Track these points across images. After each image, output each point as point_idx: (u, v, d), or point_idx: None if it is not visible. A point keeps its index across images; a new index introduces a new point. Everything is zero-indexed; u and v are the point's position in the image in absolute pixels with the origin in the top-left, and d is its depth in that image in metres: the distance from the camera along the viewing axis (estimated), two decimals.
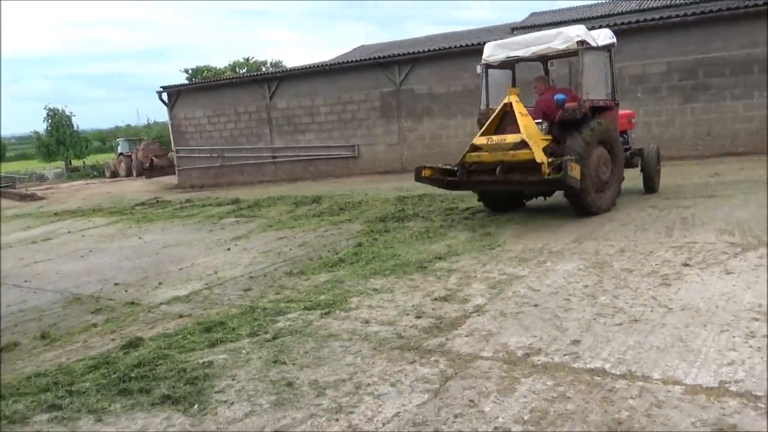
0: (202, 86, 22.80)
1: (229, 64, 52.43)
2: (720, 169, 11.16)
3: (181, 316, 5.09)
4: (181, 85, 23.23)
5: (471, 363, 3.56)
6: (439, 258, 6.21)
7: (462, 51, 16.68)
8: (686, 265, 5.14)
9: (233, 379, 3.61)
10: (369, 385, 3.38)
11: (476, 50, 16.23)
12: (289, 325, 4.53)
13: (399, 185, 14.14)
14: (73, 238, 10.95)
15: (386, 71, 18.05)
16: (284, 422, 3.03)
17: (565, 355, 3.55)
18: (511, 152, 7.41)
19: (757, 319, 3.75)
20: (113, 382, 3.67)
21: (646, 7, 21.81)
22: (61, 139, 45.23)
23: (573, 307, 4.37)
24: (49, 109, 45.64)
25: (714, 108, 13.93)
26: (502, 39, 9.47)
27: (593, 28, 9.38)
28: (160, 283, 6.47)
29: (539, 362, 3.48)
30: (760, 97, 13.39)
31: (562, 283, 4.97)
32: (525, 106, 9.01)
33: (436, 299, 4.84)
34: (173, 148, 23.39)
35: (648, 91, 14.31)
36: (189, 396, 3.40)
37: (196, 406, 3.28)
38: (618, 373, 3.24)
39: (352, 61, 19.30)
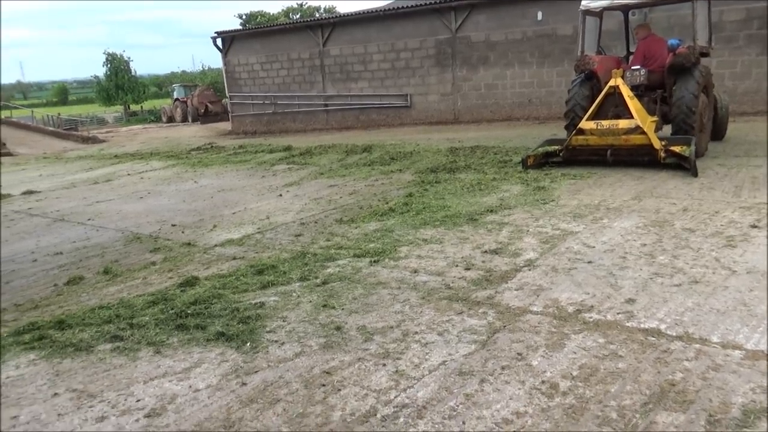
0: (256, 32, 22.76)
1: (283, 10, 51.97)
2: None
3: (234, 258, 5.22)
4: (235, 31, 23.26)
5: (520, 317, 3.52)
6: (491, 211, 6.11)
7: None
8: (754, 226, 4.88)
9: (284, 321, 3.70)
10: (416, 333, 3.40)
11: None
12: (339, 271, 4.58)
13: (451, 136, 13.91)
14: (132, 180, 11.34)
15: (442, 17, 17.50)
16: (332, 364, 3.09)
17: (618, 313, 3.46)
18: (624, 137, 7.60)
19: None
20: (171, 318, 3.82)
21: None
22: (120, 84, 46.47)
23: (629, 265, 4.24)
24: (108, 54, 46.74)
25: None
26: None
27: None
28: (214, 226, 6.64)
29: (591, 319, 3.41)
30: None
31: (619, 241, 4.81)
32: (612, 55, 9.64)
33: (486, 252, 4.78)
34: (227, 94, 23.66)
35: (723, 40, 13.35)
36: (242, 334, 3.51)
37: (248, 344, 3.39)
38: (674, 334, 3.14)
39: (406, 7, 18.76)
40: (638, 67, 8.50)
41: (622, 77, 8.05)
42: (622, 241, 4.79)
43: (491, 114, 17.24)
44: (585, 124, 7.95)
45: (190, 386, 2.98)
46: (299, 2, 52.69)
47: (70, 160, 17.33)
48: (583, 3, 8.85)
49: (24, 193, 10.45)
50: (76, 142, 25.49)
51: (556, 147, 8.33)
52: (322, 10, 52.32)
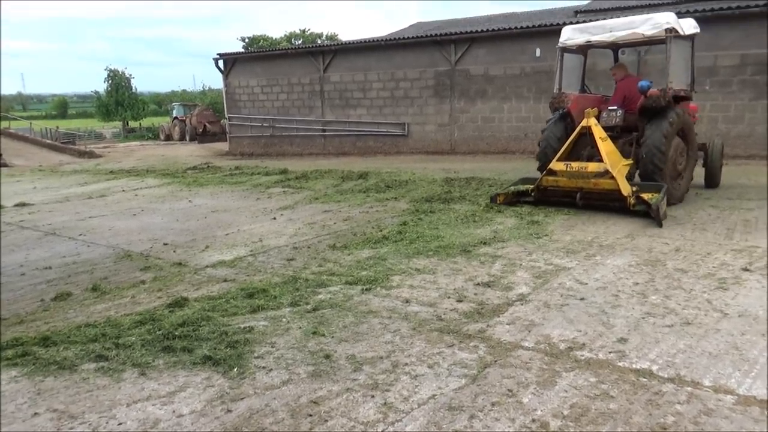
0: (258, 56, 22.99)
1: (285, 35, 52.65)
2: None
3: (225, 280, 5.18)
4: (237, 54, 23.48)
5: (511, 352, 3.49)
6: (484, 243, 6.12)
7: (522, 32, 16.23)
8: (746, 269, 4.90)
9: (272, 347, 3.66)
10: (406, 364, 3.36)
11: (537, 32, 15.84)
12: (330, 298, 4.54)
13: (447, 166, 13.99)
14: (126, 196, 11.30)
15: (442, 50, 17.75)
16: (320, 393, 3.04)
17: (610, 352, 3.44)
18: (593, 180, 7.37)
19: None
20: (158, 339, 3.76)
21: None
22: (120, 100, 46.53)
23: (621, 304, 4.23)
24: (110, 70, 46.95)
25: None
26: (568, 22, 9.32)
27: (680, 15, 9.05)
28: (206, 247, 6.60)
29: (582, 357, 3.38)
30: None
31: (611, 279, 4.81)
32: (595, 94, 9.27)
33: (478, 284, 4.77)
34: (226, 115, 23.77)
35: (717, 84, 13.63)
36: (229, 359, 3.46)
37: (235, 370, 3.34)
38: (666, 376, 3.12)
39: (408, 38, 19.05)
40: (615, 107, 8.29)
41: (597, 117, 7.83)
42: (615, 279, 4.80)
43: (487, 146, 17.38)
44: (555, 164, 7.74)
45: (174, 411, 2.92)
46: (302, 28, 53.44)
47: (66, 173, 17.27)
48: (560, 40, 8.70)
49: (17, 205, 10.38)
50: (72, 155, 25.45)
51: (529, 186, 8.10)
52: (324, 37, 53.03)
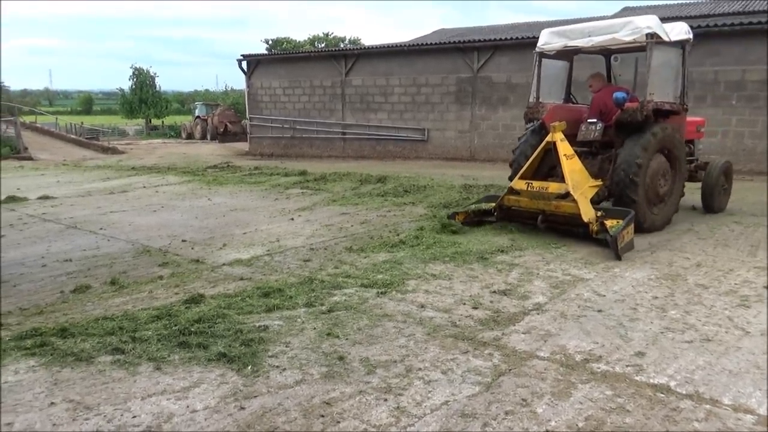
0: (281, 58, 23.17)
1: (309, 38, 52.99)
2: None
3: (241, 279, 5.21)
4: (260, 55, 23.68)
5: (526, 361, 3.46)
6: (502, 251, 6.08)
7: None
8: None
9: (287, 346, 3.66)
10: (420, 369, 3.34)
11: None
12: (345, 300, 4.55)
13: (466, 173, 13.95)
14: (147, 192, 11.44)
15: (465, 57, 17.72)
16: (333, 395, 3.04)
17: (627, 366, 3.39)
18: (554, 203, 6.64)
19: None
20: (174, 334, 3.79)
21: (750, 9, 20.38)
22: (143, 98, 47.12)
23: (640, 317, 4.17)
24: (135, 69, 47.61)
25: None
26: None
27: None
28: (224, 245, 6.65)
29: (599, 370, 3.34)
30: None
31: (630, 291, 4.75)
32: (581, 104, 8.51)
33: (494, 292, 4.74)
34: (247, 115, 23.96)
35: (744, 98, 13.39)
36: (243, 357, 3.47)
37: (249, 368, 3.35)
38: (684, 392, 3.07)
39: (431, 44, 19.06)
40: (595, 120, 7.49)
41: (576, 130, 7.21)
42: (634, 292, 4.73)
43: (507, 154, 17.16)
44: (517, 183, 7.06)
45: (188, 406, 2.94)
46: (325, 32, 53.74)
47: (89, 168, 17.54)
48: (537, 44, 7.83)
49: (40, 198, 10.57)
50: (96, 151, 25.84)
51: (491, 205, 7.37)
52: (347, 41, 53.29)
